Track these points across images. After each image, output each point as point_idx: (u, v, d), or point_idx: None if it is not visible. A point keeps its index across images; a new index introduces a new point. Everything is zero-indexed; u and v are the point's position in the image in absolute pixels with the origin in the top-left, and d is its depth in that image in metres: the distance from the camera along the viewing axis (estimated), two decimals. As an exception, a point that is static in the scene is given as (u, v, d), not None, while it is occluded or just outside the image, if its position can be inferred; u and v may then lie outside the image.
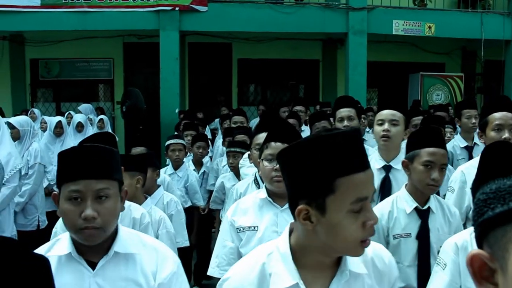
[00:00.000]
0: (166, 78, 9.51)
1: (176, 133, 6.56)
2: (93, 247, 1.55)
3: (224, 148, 5.04)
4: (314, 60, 12.10)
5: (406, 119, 3.21)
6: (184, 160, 4.82)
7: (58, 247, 1.59)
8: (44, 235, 5.46)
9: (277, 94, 12.50)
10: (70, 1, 9.71)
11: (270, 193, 2.32)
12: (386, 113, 3.05)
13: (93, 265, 1.55)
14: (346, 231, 1.22)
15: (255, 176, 3.03)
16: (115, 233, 1.59)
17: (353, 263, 1.33)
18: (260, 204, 2.33)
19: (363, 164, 1.23)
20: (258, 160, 2.38)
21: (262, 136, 2.63)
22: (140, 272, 1.58)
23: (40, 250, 1.60)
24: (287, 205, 2.31)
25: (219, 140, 6.23)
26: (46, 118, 7.14)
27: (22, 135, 5.18)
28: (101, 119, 7.82)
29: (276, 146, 2.27)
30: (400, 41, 11.05)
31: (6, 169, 3.72)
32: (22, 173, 4.57)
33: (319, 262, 1.32)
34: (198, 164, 5.30)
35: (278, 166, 2.23)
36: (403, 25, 10.19)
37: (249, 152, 3.33)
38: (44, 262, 0.90)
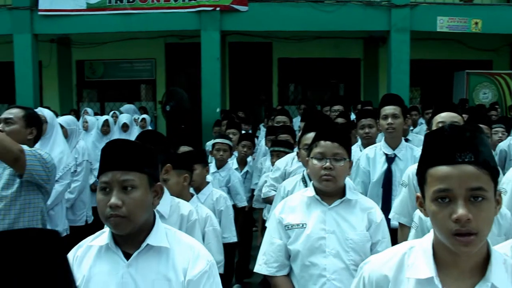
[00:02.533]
0: (207, 78, 9.60)
1: (215, 131, 6.61)
2: (129, 239, 1.61)
3: (267, 148, 5.04)
4: (355, 59, 11.97)
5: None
6: (227, 160, 4.82)
7: (99, 238, 1.68)
8: (92, 230, 5.63)
9: (318, 93, 12.43)
10: (114, 3, 9.95)
11: (318, 191, 2.32)
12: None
13: (128, 257, 1.62)
14: (436, 219, 1.27)
15: (303, 174, 3.02)
16: (151, 227, 1.66)
17: (498, 278, 1.27)
18: (308, 202, 2.33)
19: (451, 158, 1.24)
20: (307, 158, 2.37)
21: (310, 136, 2.61)
22: (171, 266, 1.62)
23: (85, 241, 1.71)
24: (335, 203, 2.32)
25: (262, 139, 6.24)
26: (89, 118, 7.32)
27: (69, 134, 5.33)
28: (143, 119, 7.97)
29: (325, 145, 2.27)
30: (444, 38, 10.78)
31: (59, 166, 3.85)
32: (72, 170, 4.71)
33: (455, 261, 1.29)
34: (242, 163, 5.29)
35: (327, 164, 2.24)
36: (448, 21, 9.93)
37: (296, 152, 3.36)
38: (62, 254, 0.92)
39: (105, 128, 6.41)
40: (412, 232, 2.41)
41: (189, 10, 9.82)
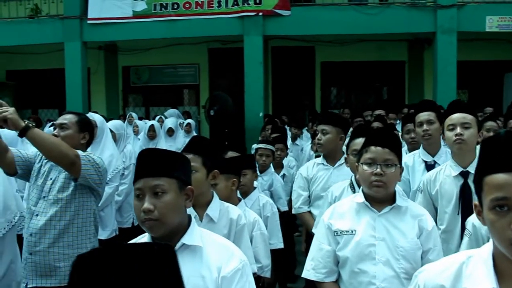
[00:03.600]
0: (250, 82, 9.67)
1: (263, 135, 6.62)
2: (166, 240, 1.69)
3: (312, 152, 5.02)
4: (399, 62, 11.77)
5: (479, 122, 3.03)
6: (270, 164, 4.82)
7: (141, 240, 1.82)
8: (138, 232, 5.77)
9: (361, 97, 12.29)
10: (159, 10, 10.18)
11: (367, 197, 2.29)
12: (457, 117, 2.87)
13: None
14: (495, 228, 1.22)
15: (351, 180, 3.00)
16: (187, 228, 1.76)
17: None
18: (357, 208, 2.31)
19: (509, 165, 1.21)
20: (356, 164, 2.35)
21: (359, 142, 2.58)
22: (205, 264, 1.70)
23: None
24: (384, 210, 2.29)
25: (307, 144, 6.21)
26: (139, 122, 7.52)
27: (118, 138, 5.48)
28: (189, 123, 8.09)
29: (376, 150, 2.24)
30: (493, 38, 10.43)
31: (108, 169, 3.97)
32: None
33: None
34: (278, 166, 5.28)
35: (378, 170, 2.21)
36: (497, 21, 9.60)
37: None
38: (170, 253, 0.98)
39: (151, 133, 6.55)
40: (465, 240, 2.34)
41: (232, 15, 9.92)
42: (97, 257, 0.87)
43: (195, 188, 2.54)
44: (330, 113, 4.49)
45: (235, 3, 9.89)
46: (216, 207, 2.53)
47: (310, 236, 3.68)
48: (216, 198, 2.56)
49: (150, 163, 1.71)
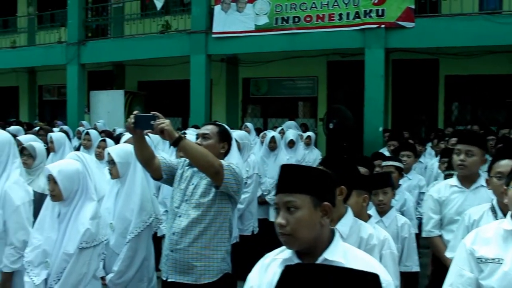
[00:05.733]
0: (371, 95, 9.46)
1: (380, 151, 6.44)
2: (307, 253, 1.74)
3: (440, 171, 4.77)
4: (535, 76, 10.79)
5: None
6: (400, 182, 4.62)
7: (283, 253, 1.82)
8: (257, 241, 5.91)
9: (490, 113, 11.45)
10: (280, 24, 10.41)
11: (516, 225, 2.12)
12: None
13: None
14: None
15: (492, 203, 2.81)
16: (329, 243, 1.77)
17: None
18: (505, 235, 2.15)
19: None
20: (505, 188, 2.19)
21: (505, 163, 2.41)
22: None
23: (271, 254, 1.87)
24: (537, 239, 2.11)
25: (431, 162, 5.93)
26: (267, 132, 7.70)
27: (242, 148, 5.68)
28: (309, 136, 8.14)
29: None
30: None
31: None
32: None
33: None
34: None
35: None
36: None
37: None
38: None
39: (272, 144, 6.69)
40: None
41: (353, 28, 9.82)
42: (306, 272, 0.91)
43: None
44: (474, 132, 4.23)
45: (357, 15, 9.79)
46: (348, 223, 2.51)
47: (437, 260, 3.51)
48: (349, 214, 2.54)
49: (285, 179, 1.77)
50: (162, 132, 2.82)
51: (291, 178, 1.76)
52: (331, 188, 1.86)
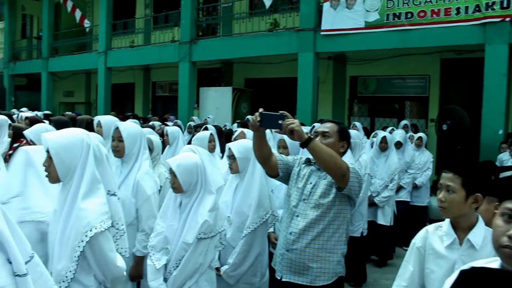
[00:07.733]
0: (490, 95, 8.79)
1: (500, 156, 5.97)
2: None
3: None
4: None
5: None
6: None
7: (492, 264, 1.60)
8: (365, 243, 5.77)
9: None
10: (392, 20, 10.03)
11: None
12: None
13: None
14: None
15: None
16: None
17: None
18: None
19: None
20: None
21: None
22: None
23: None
24: None
25: None
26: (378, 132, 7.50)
27: (353, 147, 5.57)
28: (420, 137, 7.78)
29: None
30: None
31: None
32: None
33: None
34: None
35: None
36: None
37: None
38: None
39: (383, 145, 6.49)
40: None
41: (472, 23, 9.18)
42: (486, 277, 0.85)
43: (450, 209, 2.40)
44: None
45: (477, 9, 9.14)
46: (480, 232, 2.36)
47: None
48: (481, 223, 2.38)
49: None
50: (291, 133, 2.72)
51: None
52: None
